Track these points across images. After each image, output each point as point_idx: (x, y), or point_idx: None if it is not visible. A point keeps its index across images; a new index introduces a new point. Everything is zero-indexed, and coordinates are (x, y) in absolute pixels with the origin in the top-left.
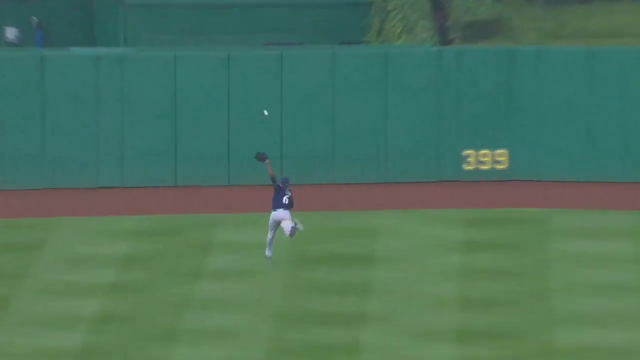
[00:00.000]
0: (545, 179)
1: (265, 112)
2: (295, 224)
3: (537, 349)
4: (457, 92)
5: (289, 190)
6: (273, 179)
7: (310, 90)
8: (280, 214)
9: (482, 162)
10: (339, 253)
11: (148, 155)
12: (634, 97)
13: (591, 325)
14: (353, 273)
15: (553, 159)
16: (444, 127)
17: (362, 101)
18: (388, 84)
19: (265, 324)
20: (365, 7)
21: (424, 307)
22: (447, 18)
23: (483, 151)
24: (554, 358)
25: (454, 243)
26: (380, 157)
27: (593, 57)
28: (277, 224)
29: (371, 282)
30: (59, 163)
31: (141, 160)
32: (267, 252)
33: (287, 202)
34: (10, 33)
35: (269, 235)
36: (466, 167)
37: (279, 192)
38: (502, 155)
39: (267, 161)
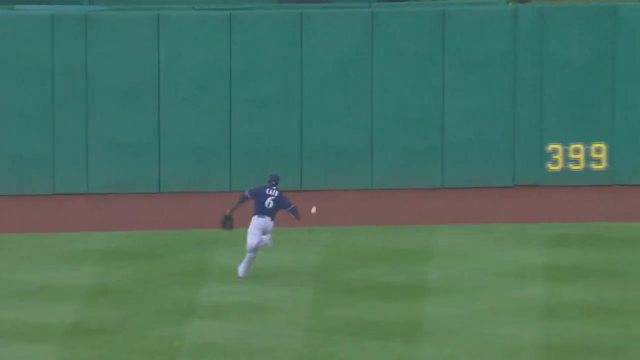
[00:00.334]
0: None
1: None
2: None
3: None
4: (540, 66)
5: (276, 190)
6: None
7: (339, 63)
8: (262, 222)
9: (573, 161)
10: (379, 282)
11: (120, 150)
12: None
13: None
14: (398, 309)
15: None
16: (521, 113)
17: (410, 78)
18: (445, 54)
19: None
20: None
21: (493, 356)
22: None
23: (574, 146)
24: None
25: (535, 270)
26: (434, 154)
27: None
28: (261, 232)
29: (421, 322)
30: None
31: (111, 157)
32: (241, 271)
33: (270, 205)
34: None
35: (249, 249)
36: (551, 168)
37: (259, 193)
38: (599, 151)
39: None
